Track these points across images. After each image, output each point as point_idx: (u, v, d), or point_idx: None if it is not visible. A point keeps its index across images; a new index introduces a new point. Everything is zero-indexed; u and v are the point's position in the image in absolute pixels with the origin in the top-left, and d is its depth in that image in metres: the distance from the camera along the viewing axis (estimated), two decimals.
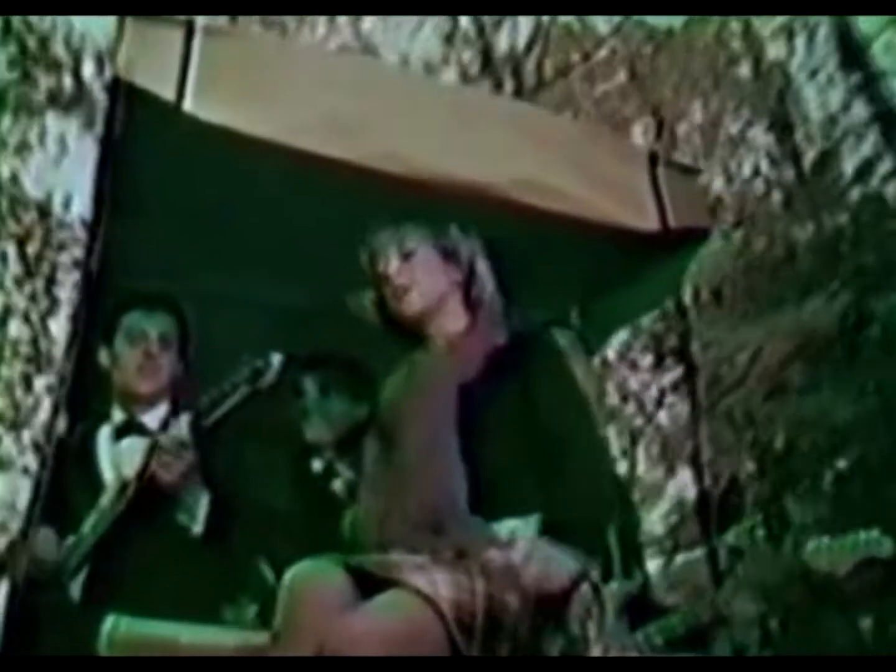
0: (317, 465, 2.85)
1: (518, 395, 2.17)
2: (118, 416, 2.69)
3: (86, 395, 2.82)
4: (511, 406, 2.16)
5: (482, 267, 2.36)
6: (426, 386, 2.22)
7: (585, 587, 1.99)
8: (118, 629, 1.98)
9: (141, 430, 2.61)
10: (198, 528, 2.42)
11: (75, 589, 2.42)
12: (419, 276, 2.32)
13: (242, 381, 2.30)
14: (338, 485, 2.82)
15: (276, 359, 2.28)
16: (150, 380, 2.65)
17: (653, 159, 2.98)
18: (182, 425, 2.37)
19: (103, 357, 2.70)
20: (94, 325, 2.50)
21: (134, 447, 2.49)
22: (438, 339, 2.30)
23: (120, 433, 2.64)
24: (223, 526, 2.43)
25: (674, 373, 3.81)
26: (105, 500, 2.46)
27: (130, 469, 2.40)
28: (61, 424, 2.59)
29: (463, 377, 2.19)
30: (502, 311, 2.34)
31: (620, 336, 3.82)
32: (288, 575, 1.97)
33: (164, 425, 2.51)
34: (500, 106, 3.55)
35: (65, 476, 2.54)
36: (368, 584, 1.94)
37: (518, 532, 2.02)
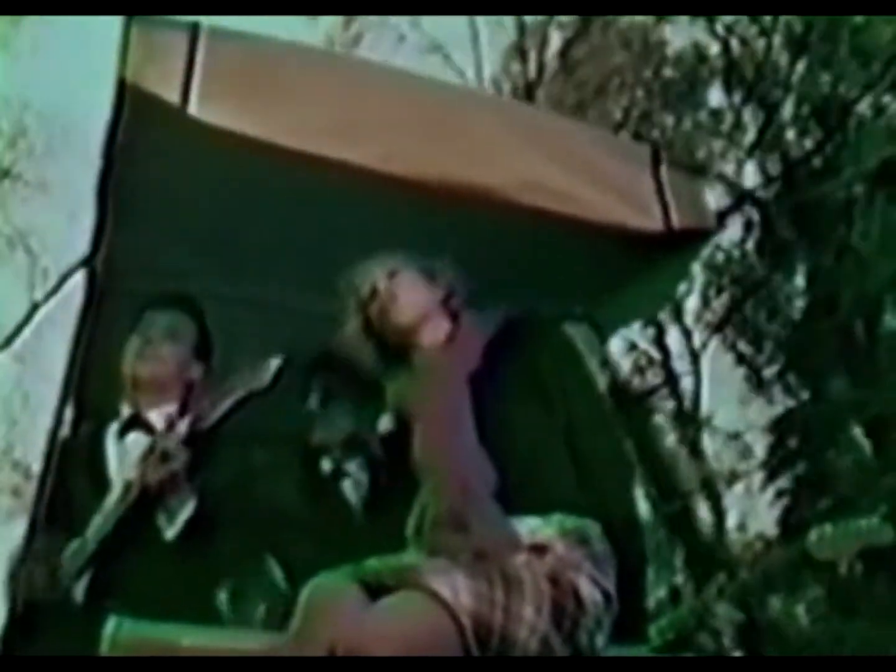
0: (326, 465, 2.85)
1: (529, 384, 2.18)
2: (125, 412, 2.69)
3: (91, 396, 2.84)
4: (524, 395, 2.17)
5: (459, 291, 2.37)
6: (436, 381, 2.22)
7: (598, 597, 1.99)
8: (121, 631, 1.99)
9: (146, 426, 2.61)
10: (171, 532, 2.41)
11: (79, 592, 2.43)
12: (404, 289, 2.36)
13: (238, 385, 2.29)
14: (347, 486, 2.82)
15: (273, 362, 2.27)
16: (147, 364, 2.61)
17: (656, 160, 2.99)
18: (181, 429, 2.36)
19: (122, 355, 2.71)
20: (98, 326, 2.51)
21: (138, 445, 2.49)
22: (430, 340, 2.31)
23: (125, 429, 2.64)
24: (204, 533, 2.41)
25: None
26: (110, 501, 2.46)
27: (132, 471, 2.41)
28: (66, 425, 2.61)
29: (469, 366, 2.19)
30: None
31: None
32: (304, 591, 1.98)
33: (170, 425, 2.51)
34: (505, 108, 3.55)
35: (73, 475, 2.56)
36: (384, 595, 1.94)
37: (538, 531, 2.02)
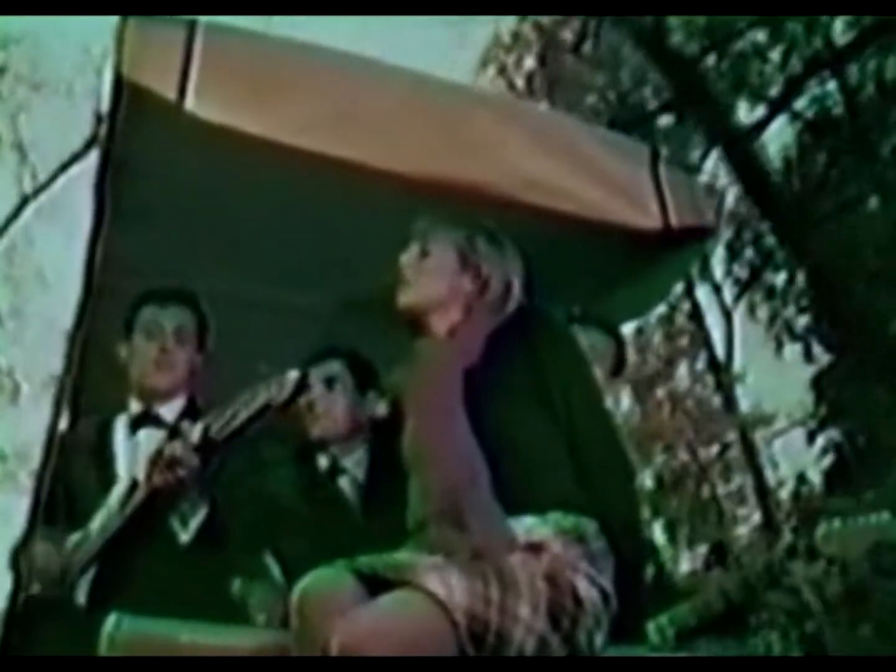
0: (323, 462, 2.84)
1: (529, 379, 2.16)
2: (135, 407, 2.69)
3: (90, 392, 2.83)
4: (523, 390, 2.16)
5: (496, 286, 2.33)
6: (431, 374, 2.21)
7: (596, 596, 1.98)
8: (120, 629, 1.97)
9: (157, 421, 2.62)
10: (185, 536, 2.40)
11: (81, 591, 2.42)
12: (425, 276, 2.29)
13: (257, 397, 2.27)
14: (343, 482, 2.82)
15: (292, 377, 2.24)
16: (165, 374, 2.65)
17: (655, 158, 2.99)
18: (194, 434, 2.34)
19: (122, 352, 2.71)
20: (96, 324, 2.50)
21: (150, 441, 2.49)
22: (438, 329, 2.30)
23: (136, 424, 2.64)
24: (217, 537, 2.41)
25: None
26: (114, 497, 2.46)
27: (141, 470, 2.40)
28: (63, 421, 2.60)
29: (467, 361, 2.18)
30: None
31: None
32: (299, 585, 1.96)
33: (182, 417, 2.52)
34: (505, 106, 3.55)
35: (76, 467, 2.56)
36: (381, 589, 1.93)
37: (535, 530, 2.00)
